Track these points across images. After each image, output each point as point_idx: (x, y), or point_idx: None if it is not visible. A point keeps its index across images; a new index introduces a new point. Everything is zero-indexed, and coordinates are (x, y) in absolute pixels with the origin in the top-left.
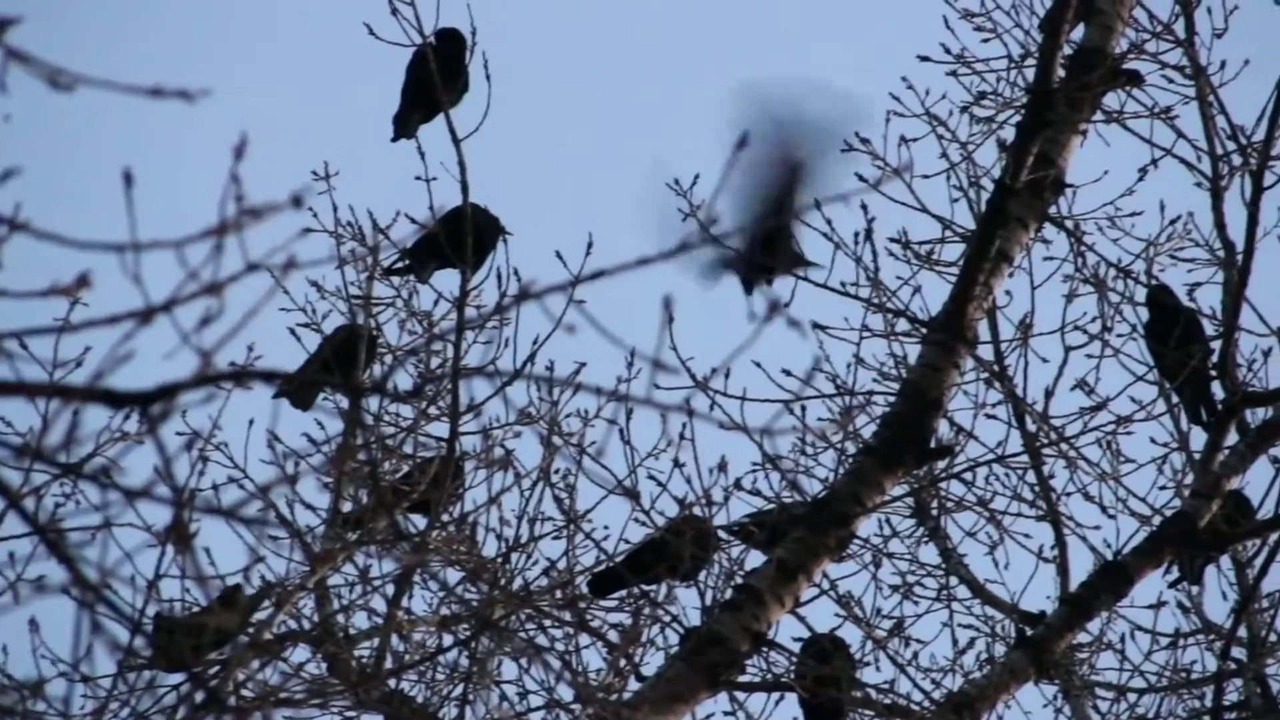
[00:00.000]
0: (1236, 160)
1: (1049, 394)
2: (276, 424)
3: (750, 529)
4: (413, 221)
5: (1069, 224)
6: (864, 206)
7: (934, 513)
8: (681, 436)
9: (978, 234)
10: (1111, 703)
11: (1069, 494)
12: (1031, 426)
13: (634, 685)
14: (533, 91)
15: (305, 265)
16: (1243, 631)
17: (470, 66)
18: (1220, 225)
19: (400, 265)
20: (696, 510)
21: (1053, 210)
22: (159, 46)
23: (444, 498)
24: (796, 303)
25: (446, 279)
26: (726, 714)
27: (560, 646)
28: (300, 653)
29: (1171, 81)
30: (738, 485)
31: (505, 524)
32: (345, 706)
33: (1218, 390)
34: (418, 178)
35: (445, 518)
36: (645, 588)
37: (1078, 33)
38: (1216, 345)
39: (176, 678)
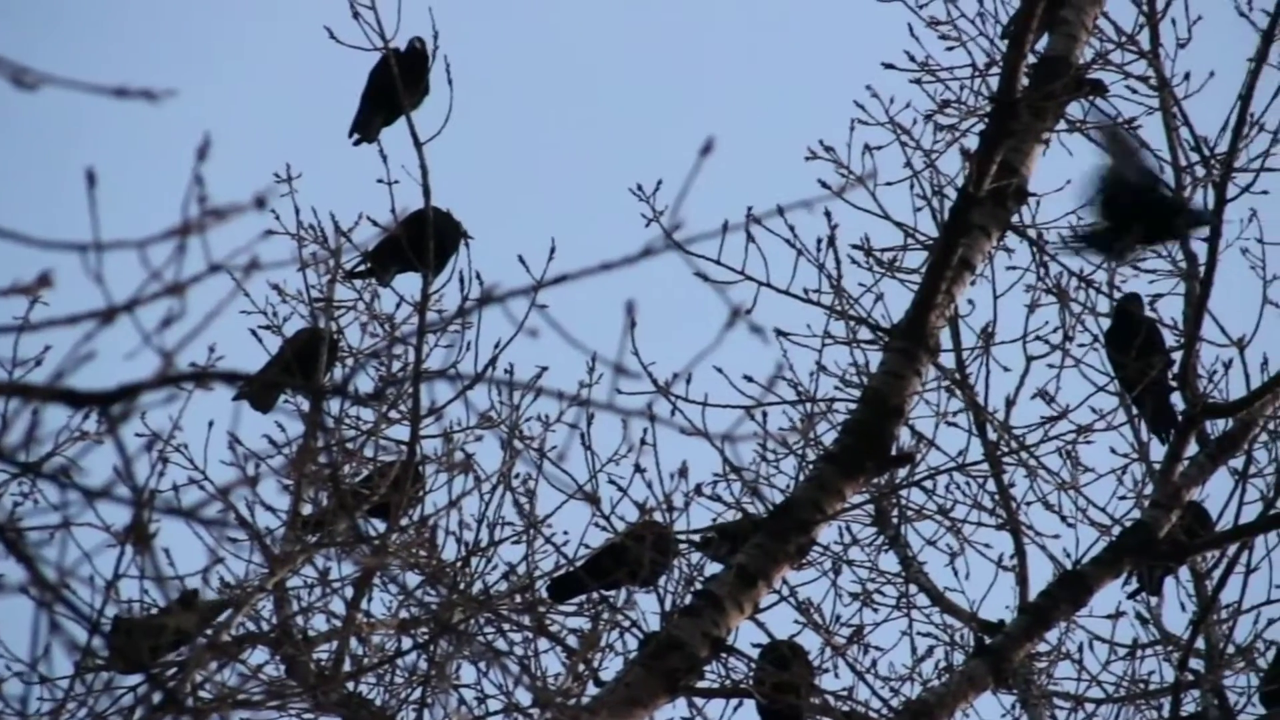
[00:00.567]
0: (1200, 172)
1: (1010, 403)
2: (237, 425)
3: (710, 538)
4: (375, 224)
5: (1032, 233)
6: (827, 213)
7: (894, 520)
8: (643, 442)
9: (940, 242)
10: (1069, 712)
11: (1029, 503)
12: (992, 435)
13: (593, 690)
14: (495, 95)
15: (267, 267)
16: (1201, 643)
17: (432, 71)
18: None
19: (362, 268)
20: (657, 516)
21: (1015, 219)
22: (123, 47)
23: (404, 501)
24: (759, 309)
25: (408, 282)
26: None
27: (519, 651)
28: (259, 654)
29: (1135, 92)
30: (698, 491)
31: (465, 527)
32: (303, 709)
33: (1178, 402)
34: (380, 181)
35: (405, 521)
36: (605, 593)
37: (1042, 42)
38: (1178, 356)
39: (134, 679)
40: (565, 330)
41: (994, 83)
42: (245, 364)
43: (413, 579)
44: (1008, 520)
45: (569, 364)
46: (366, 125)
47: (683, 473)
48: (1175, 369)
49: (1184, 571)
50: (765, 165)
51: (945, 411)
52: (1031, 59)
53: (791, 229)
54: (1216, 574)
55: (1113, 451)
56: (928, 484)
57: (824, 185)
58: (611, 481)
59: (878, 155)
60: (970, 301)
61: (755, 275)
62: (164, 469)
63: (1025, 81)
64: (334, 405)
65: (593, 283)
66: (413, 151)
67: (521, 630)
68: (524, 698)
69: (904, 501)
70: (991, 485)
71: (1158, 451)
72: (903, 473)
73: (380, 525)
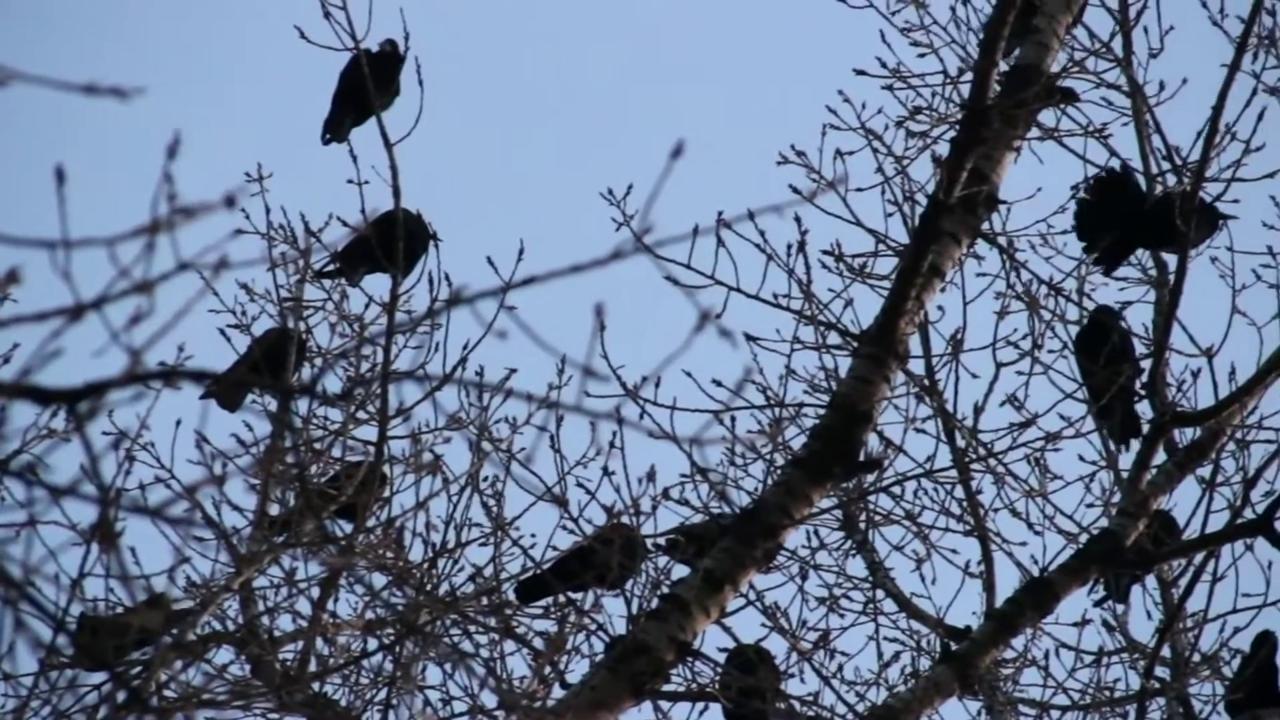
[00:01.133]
0: (1171, 180)
1: (978, 409)
2: (204, 424)
3: (677, 541)
4: (344, 225)
5: (1001, 240)
6: (798, 218)
7: (862, 526)
8: (611, 445)
9: (911, 248)
10: (1035, 719)
11: (996, 510)
12: (960, 442)
13: (558, 693)
14: (466, 97)
15: (236, 266)
16: (1166, 651)
17: (403, 72)
18: None
19: (331, 268)
20: (624, 519)
21: (985, 226)
22: (94, 44)
23: (371, 501)
24: (728, 313)
25: (377, 283)
26: None
27: (485, 652)
28: (224, 654)
29: (1110, 104)
30: (666, 495)
31: (432, 529)
32: (268, 709)
33: (1146, 410)
34: (350, 181)
35: (372, 522)
36: (572, 595)
37: (1014, 50)
38: (1147, 365)
39: (99, 677)
40: (534, 332)
41: (965, 90)
42: (213, 363)
43: (379, 580)
44: (975, 527)
45: (538, 366)
46: (337, 125)
47: (651, 476)
48: (1144, 377)
49: (1150, 580)
50: (736, 169)
51: (914, 417)
52: (1003, 66)
53: (762, 234)
54: (1183, 582)
55: (1081, 459)
56: (896, 490)
57: (795, 190)
58: (579, 484)
59: (849, 161)
60: (940, 308)
61: (725, 279)
62: (130, 467)
63: (997, 89)
64: (302, 405)
65: (562, 285)
66: (383, 152)
67: (488, 632)
68: (489, 700)
69: (872, 507)
70: (959, 492)
71: (1126, 459)
72: (871, 478)
73: (347, 526)
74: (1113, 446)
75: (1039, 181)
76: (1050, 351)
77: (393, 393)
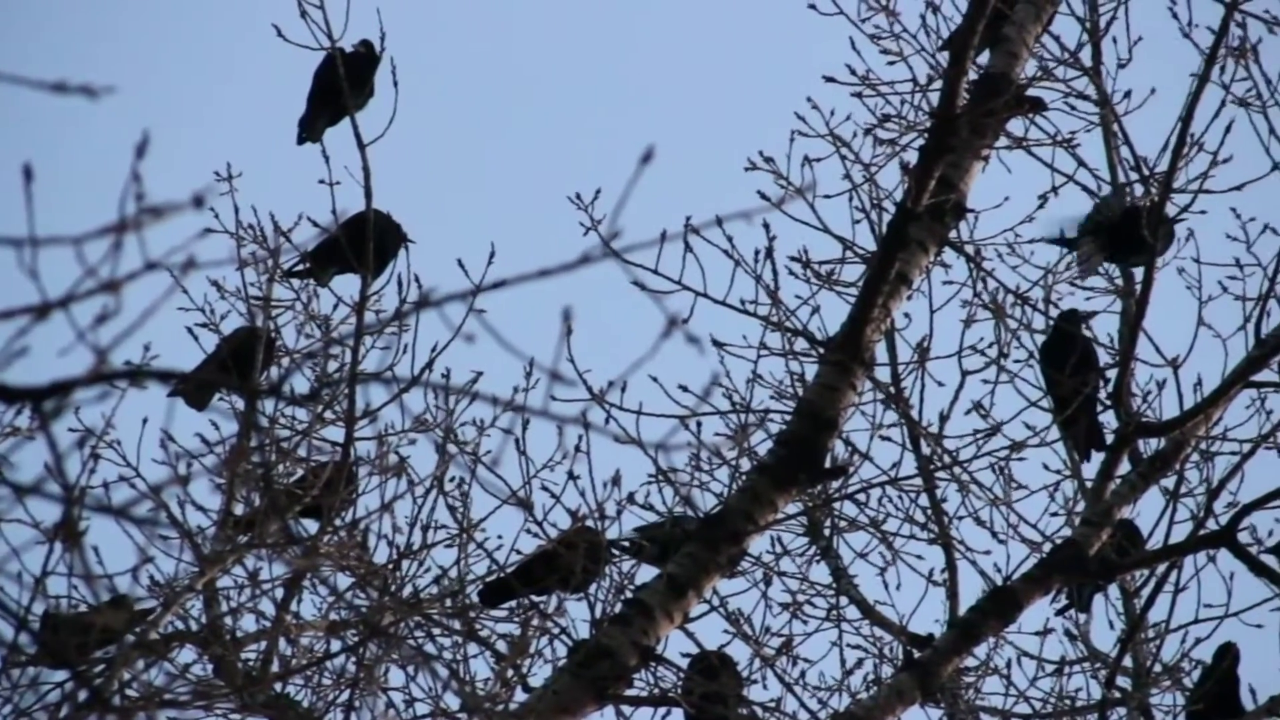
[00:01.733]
0: (1139, 190)
1: (944, 417)
2: (170, 424)
3: (641, 544)
4: (315, 225)
5: (969, 249)
6: (766, 225)
7: (826, 532)
8: (577, 449)
9: (878, 256)
10: None
11: (961, 518)
12: (926, 450)
13: (521, 696)
14: (439, 100)
15: (205, 266)
16: (1128, 661)
17: (377, 73)
18: None
19: (300, 268)
20: (589, 523)
21: (953, 235)
22: (63, 42)
23: (337, 503)
24: (695, 319)
25: (347, 284)
26: None
27: (448, 655)
28: (187, 654)
29: (1074, 109)
30: (631, 499)
31: (397, 531)
32: (230, 709)
33: (1110, 420)
34: (321, 181)
35: (337, 523)
36: (535, 599)
37: (983, 58)
38: (1112, 375)
39: (61, 675)
40: (502, 335)
41: (934, 98)
42: (181, 362)
43: (344, 581)
44: (939, 535)
45: (505, 369)
46: (311, 126)
47: (616, 481)
48: (1109, 387)
49: (1113, 589)
50: (705, 175)
51: (879, 425)
52: (972, 75)
53: (729, 239)
54: (1145, 592)
55: (1045, 468)
56: (860, 497)
57: (763, 196)
58: (545, 488)
59: (817, 168)
60: (906, 315)
61: (693, 285)
62: (95, 466)
63: (966, 97)
64: (269, 405)
65: (530, 289)
66: (356, 153)
67: (451, 635)
68: (452, 702)
69: (836, 514)
70: (924, 499)
71: (1090, 469)
72: (836, 485)
73: (312, 527)
74: (1076, 457)
75: (1006, 190)
76: (1016, 360)
77: (360, 394)
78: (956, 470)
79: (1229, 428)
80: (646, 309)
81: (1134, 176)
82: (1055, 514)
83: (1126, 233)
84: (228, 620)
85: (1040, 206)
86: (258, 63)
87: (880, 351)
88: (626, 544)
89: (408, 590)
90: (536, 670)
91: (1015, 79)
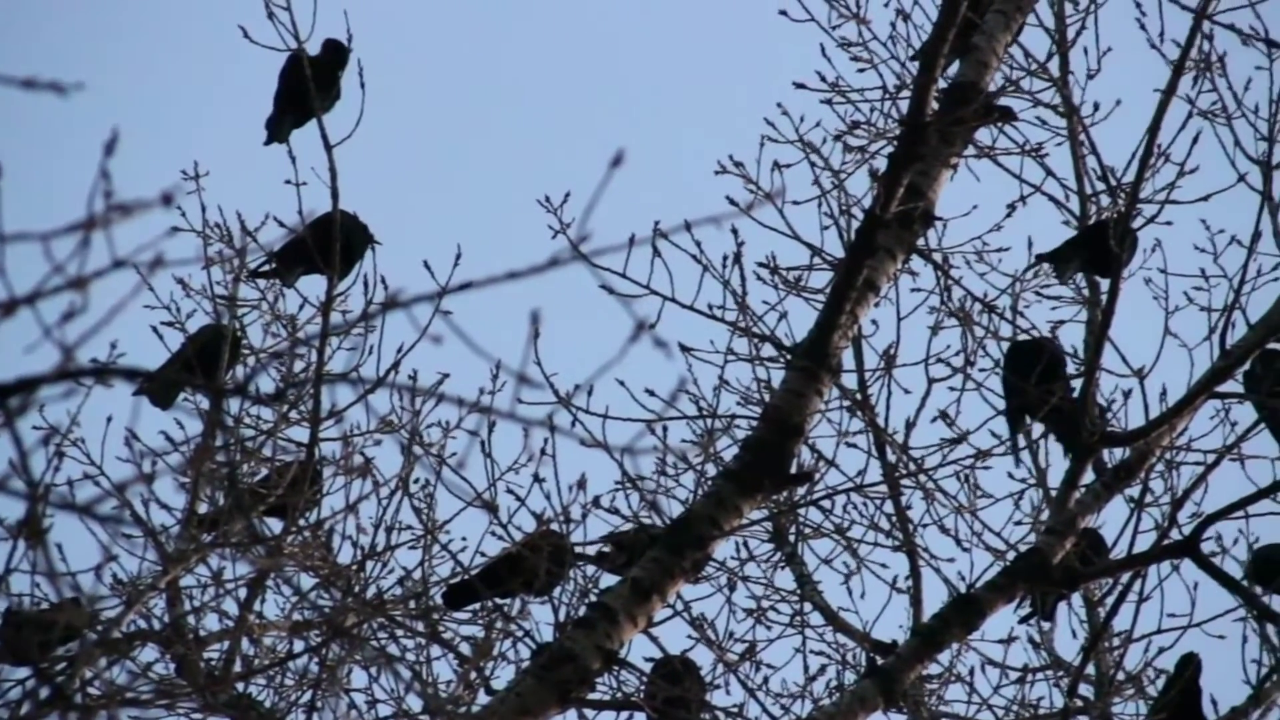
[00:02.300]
0: (1105, 200)
1: (910, 425)
2: (135, 422)
3: (605, 551)
4: (281, 225)
5: (936, 257)
6: (734, 230)
7: (791, 538)
8: (542, 452)
9: (846, 263)
10: None
11: (925, 525)
12: (891, 457)
13: (484, 698)
14: (406, 101)
15: (172, 264)
16: (1091, 669)
17: (344, 74)
18: None
19: (267, 268)
20: (554, 526)
21: (921, 242)
22: (32, 38)
23: (301, 503)
24: (663, 323)
25: (313, 284)
26: None
27: (411, 657)
28: (149, 652)
29: (1045, 123)
30: (596, 503)
31: (362, 531)
32: (192, 708)
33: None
34: (288, 182)
35: (302, 523)
36: (499, 601)
37: (953, 67)
38: (1078, 384)
39: (23, 672)
40: (468, 337)
41: (904, 106)
42: (147, 360)
43: (307, 581)
44: (904, 542)
45: (471, 371)
46: (278, 126)
47: (581, 484)
48: (1074, 396)
49: (1077, 598)
50: (674, 179)
51: (846, 432)
52: (942, 83)
53: (698, 244)
54: (1109, 601)
55: (1010, 476)
56: (826, 503)
57: (732, 202)
58: (510, 490)
59: (786, 174)
60: (874, 322)
61: (660, 290)
62: (60, 463)
63: (935, 106)
64: (234, 404)
65: (498, 291)
66: (323, 154)
67: (415, 636)
68: (415, 704)
69: (801, 520)
70: (889, 507)
71: (1055, 478)
72: (801, 491)
73: (276, 526)
74: (1045, 463)
75: (974, 199)
76: (982, 369)
77: (325, 394)
78: (922, 478)
79: (1194, 438)
80: (614, 313)
81: (1101, 187)
82: (1020, 522)
83: (1099, 246)
84: (191, 619)
85: (1008, 215)
86: (226, 63)
87: (847, 358)
88: (596, 551)
89: (371, 591)
90: (499, 673)
91: (985, 88)
